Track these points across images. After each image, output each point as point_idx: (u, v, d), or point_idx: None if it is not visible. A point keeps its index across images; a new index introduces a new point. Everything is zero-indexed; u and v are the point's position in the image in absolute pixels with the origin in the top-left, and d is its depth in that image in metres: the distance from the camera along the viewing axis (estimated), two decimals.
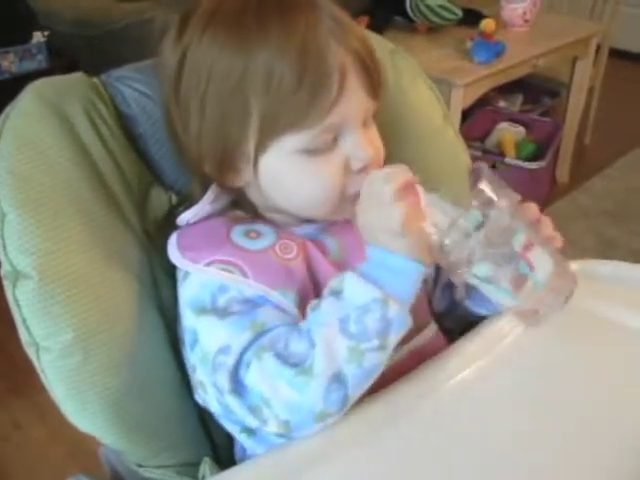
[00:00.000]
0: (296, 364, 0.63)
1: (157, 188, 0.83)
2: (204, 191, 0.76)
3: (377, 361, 0.65)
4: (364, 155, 0.72)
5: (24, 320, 0.70)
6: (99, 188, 0.75)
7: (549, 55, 2.42)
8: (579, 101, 2.72)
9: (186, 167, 0.78)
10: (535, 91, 2.98)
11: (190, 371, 0.74)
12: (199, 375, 0.71)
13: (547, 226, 0.72)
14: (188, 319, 0.71)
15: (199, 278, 0.71)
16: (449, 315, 0.88)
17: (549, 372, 0.76)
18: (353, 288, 0.65)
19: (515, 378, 0.75)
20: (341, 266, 0.75)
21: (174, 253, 0.73)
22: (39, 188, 0.71)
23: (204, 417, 0.80)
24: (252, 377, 0.65)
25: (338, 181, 0.72)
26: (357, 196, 0.73)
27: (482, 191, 0.66)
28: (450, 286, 0.87)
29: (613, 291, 0.86)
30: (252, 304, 0.69)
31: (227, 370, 0.66)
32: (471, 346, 0.77)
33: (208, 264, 0.71)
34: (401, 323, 0.65)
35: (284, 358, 0.64)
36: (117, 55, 1.63)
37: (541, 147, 2.61)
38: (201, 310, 0.70)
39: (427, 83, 1.00)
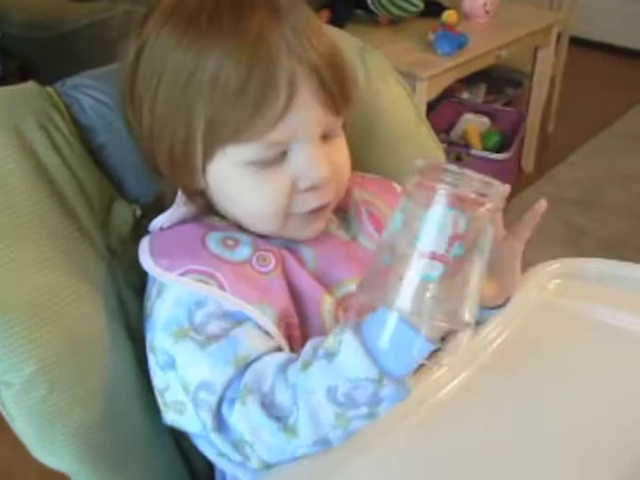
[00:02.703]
0: (279, 417, 0.60)
1: (120, 202, 0.78)
2: (175, 193, 0.72)
3: (364, 423, 0.60)
4: (313, 175, 0.68)
5: None
6: (58, 206, 0.71)
7: (511, 45, 2.41)
8: (542, 90, 2.72)
9: (146, 166, 0.74)
10: (498, 81, 2.97)
11: (158, 392, 0.70)
12: (173, 396, 0.67)
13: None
14: (164, 342, 0.67)
15: (173, 295, 0.67)
16: None
17: (536, 377, 0.74)
18: (348, 356, 0.58)
19: (502, 386, 0.72)
20: (319, 277, 0.72)
21: (146, 260, 0.69)
22: None
23: (180, 442, 0.76)
24: (235, 419, 0.62)
25: (282, 199, 0.68)
26: (309, 216, 0.71)
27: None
28: None
29: (601, 290, 0.84)
30: (232, 320, 0.65)
31: (210, 409, 0.62)
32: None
33: (183, 273, 0.67)
34: (394, 399, 0.59)
35: (268, 408, 0.60)
36: (73, 58, 1.57)
37: (506, 137, 2.61)
38: (179, 333, 0.65)
39: (398, 80, 0.96)
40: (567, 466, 0.65)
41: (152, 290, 0.71)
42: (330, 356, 0.59)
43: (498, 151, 2.51)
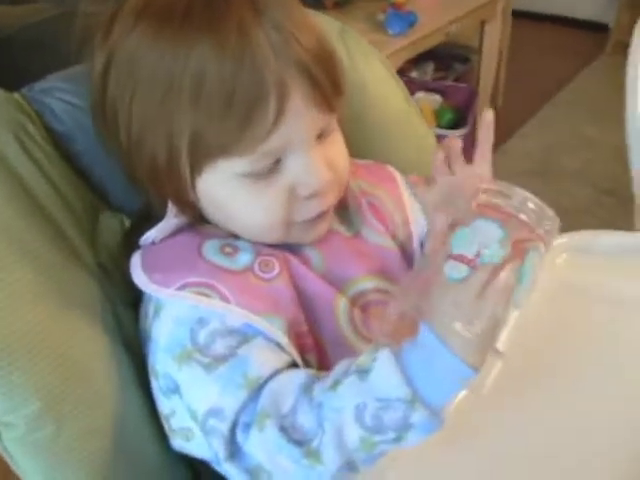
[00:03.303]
0: (301, 442, 0.55)
1: (105, 212, 0.72)
2: (164, 204, 0.66)
3: (389, 448, 0.55)
4: (313, 181, 0.63)
5: None
6: (41, 224, 0.64)
7: (460, 21, 2.39)
8: (491, 64, 2.72)
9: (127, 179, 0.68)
10: (445, 58, 2.96)
11: (164, 418, 0.66)
12: (179, 422, 0.63)
13: None
14: (167, 366, 0.62)
15: (173, 313, 0.62)
16: None
17: (553, 360, 0.71)
18: (381, 374, 0.54)
19: (518, 375, 0.68)
20: (327, 277, 0.68)
21: (140, 277, 0.64)
22: None
23: (192, 462, 0.71)
24: (252, 446, 0.57)
25: (281, 209, 0.64)
26: (312, 222, 0.66)
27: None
28: None
29: (610, 263, 0.81)
30: (239, 337, 0.60)
31: (222, 437, 0.58)
32: None
33: (180, 287, 0.62)
34: (425, 429, 0.54)
35: (288, 431, 0.55)
36: (15, 63, 1.48)
37: (459, 113, 2.59)
38: (182, 356, 0.60)
39: (382, 62, 0.92)
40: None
41: (149, 308, 0.65)
42: (362, 373, 0.55)
43: (452, 128, 2.50)
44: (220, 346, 0.60)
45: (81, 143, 0.71)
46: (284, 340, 0.61)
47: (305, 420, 0.55)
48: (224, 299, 0.61)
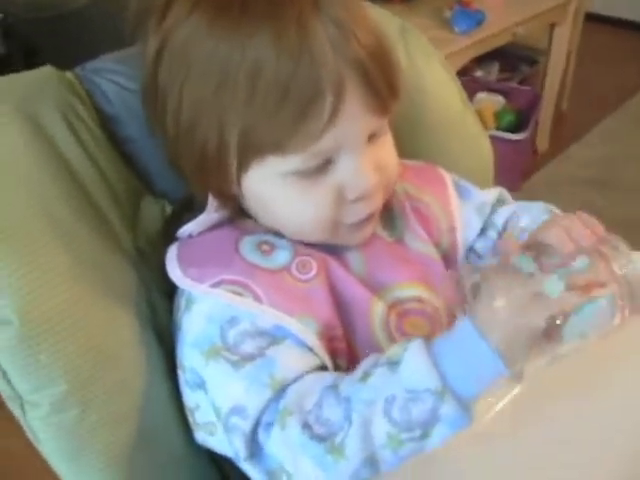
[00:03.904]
0: (325, 437, 0.54)
1: (148, 198, 0.72)
2: (206, 196, 0.65)
3: (415, 449, 0.54)
4: (361, 184, 0.62)
5: (4, 373, 0.58)
6: (83, 207, 0.64)
7: (528, 22, 2.33)
8: (558, 68, 2.65)
9: (171, 168, 0.68)
10: (511, 59, 2.89)
11: (189, 410, 0.65)
12: (204, 416, 0.62)
13: None
14: (194, 360, 0.61)
15: (205, 309, 0.62)
16: None
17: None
18: (411, 364, 0.53)
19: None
20: (366, 281, 0.66)
21: (174, 271, 0.63)
22: (8, 214, 0.59)
23: (221, 464, 0.70)
24: (273, 445, 0.56)
25: (329, 211, 0.62)
26: (359, 225, 0.65)
27: None
28: None
29: None
30: (269, 339, 0.60)
31: (243, 435, 0.57)
32: None
33: (215, 284, 0.61)
34: (453, 423, 0.53)
35: (312, 428, 0.54)
36: (81, 39, 1.50)
37: (520, 116, 2.53)
38: (210, 352, 0.60)
39: (442, 63, 0.90)
40: None
41: (181, 301, 0.65)
42: (393, 364, 0.54)
43: (512, 130, 2.44)
44: (249, 346, 0.59)
45: (129, 127, 0.71)
46: (316, 343, 0.60)
47: (331, 413, 0.54)
48: (257, 299, 0.60)
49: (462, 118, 0.90)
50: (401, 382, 0.53)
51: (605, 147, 2.81)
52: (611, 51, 3.50)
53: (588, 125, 2.94)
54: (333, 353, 0.62)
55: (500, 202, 0.80)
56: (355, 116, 0.59)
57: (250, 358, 0.58)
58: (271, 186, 0.61)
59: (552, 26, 2.56)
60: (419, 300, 0.68)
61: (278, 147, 0.58)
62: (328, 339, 0.62)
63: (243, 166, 0.60)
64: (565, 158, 2.76)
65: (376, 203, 0.65)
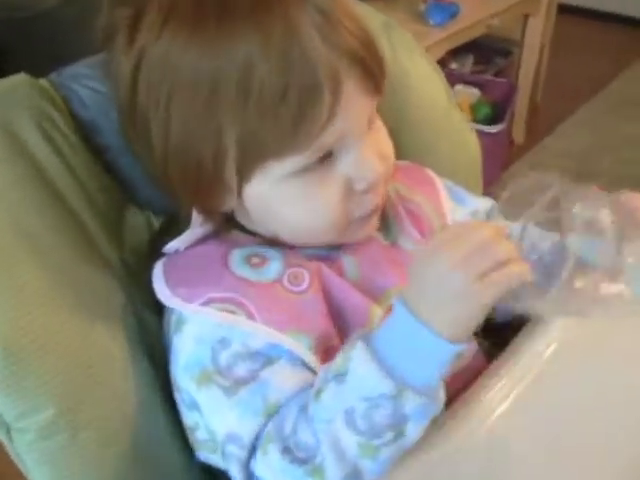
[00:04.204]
0: (305, 460, 0.53)
1: (131, 208, 0.69)
2: (191, 210, 0.63)
3: (395, 450, 0.53)
4: (369, 174, 0.60)
5: None
6: (60, 217, 0.61)
7: (502, 14, 2.33)
8: (532, 59, 2.65)
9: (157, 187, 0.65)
10: (485, 51, 2.88)
11: (188, 429, 0.63)
12: (204, 434, 0.60)
13: None
14: (186, 384, 0.59)
15: (195, 330, 0.59)
16: None
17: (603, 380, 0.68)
18: (358, 372, 0.51)
19: (564, 398, 0.66)
20: (362, 287, 0.64)
21: (162, 290, 0.61)
22: None
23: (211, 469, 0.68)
24: (259, 469, 0.55)
25: (340, 206, 0.60)
26: (367, 217, 0.62)
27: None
28: None
29: None
30: (262, 360, 0.58)
31: (239, 462, 0.56)
32: (510, 370, 0.67)
33: (205, 303, 0.58)
34: (422, 415, 0.51)
35: (291, 452, 0.53)
36: (53, 40, 1.45)
37: (496, 108, 2.53)
38: (201, 378, 0.58)
39: (426, 58, 0.88)
40: None
41: (171, 318, 0.62)
42: (340, 376, 0.52)
43: (489, 123, 2.44)
44: (242, 369, 0.57)
45: (108, 134, 0.67)
46: (311, 358, 0.58)
47: (305, 436, 0.53)
48: (250, 317, 0.58)
49: (448, 114, 0.88)
50: (354, 393, 0.51)
51: (580, 138, 2.82)
52: (583, 42, 3.51)
53: (562, 116, 2.95)
54: None
55: (492, 212, 0.79)
56: (353, 102, 0.57)
57: (243, 382, 0.57)
58: (276, 191, 0.59)
59: (526, 17, 2.56)
60: None
61: (280, 150, 0.56)
62: (324, 351, 0.59)
63: (244, 177, 0.58)
64: (541, 149, 2.76)
65: (381, 193, 0.63)
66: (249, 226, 0.65)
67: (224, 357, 0.57)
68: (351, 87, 0.56)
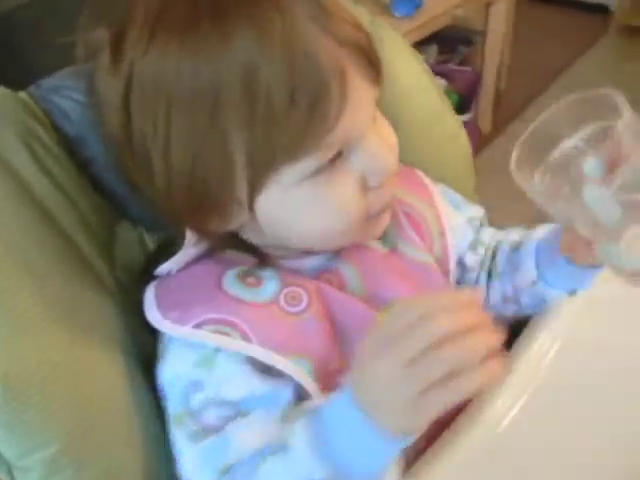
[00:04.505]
0: None
1: (123, 224, 0.66)
2: (183, 228, 0.60)
3: None
4: (382, 167, 0.57)
5: None
6: (53, 241, 0.58)
7: (465, 4, 2.33)
8: (496, 47, 2.66)
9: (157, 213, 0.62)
10: (448, 41, 2.88)
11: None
12: None
13: None
14: (166, 416, 0.59)
15: (174, 365, 0.58)
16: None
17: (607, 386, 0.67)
18: (300, 458, 0.49)
19: (568, 404, 0.66)
20: (366, 298, 0.62)
21: (154, 314, 0.58)
22: None
23: None
24: None
25: (358, 204, 0.58)
26: (382, 213, 0.60)
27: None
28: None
29: None
30: (233, 411, 0.55)
31: None
32: (518, 373, 0.66)
33: (198, 325, 0.56)
34: None
35: None
36: (9, 43, 1.40)
37: (463, 97, 2.53)
38: (174, 418, 0.57)
39: (415, 56, 0.86)
40: None
41: (160, 349, 0.60)
42: (282, 450, 0.51)
43: (456, 112, 2.43)
44: (212, 415, 0.55)
45: (94, 147, 0.64)
46: (311, 386, 0.56)
47: None
48: (245, 338, 0.56)
49: (442, 116, 0.86)
50: (292, 470, 0.50)
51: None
52: (543, 29, 3.53)
53: (526, 103, 2.96)
54: (331, 390, 0.57)
55: (483, 221, 0.78)
56: (359, 93, 0.54)
57: (211, 431, 0.55)
58: (290, 198, 0.55)
59: (487, 6, 2.57)
60: None
61: (293, 154, 0.53)
62: (325, 375, 0.57)
63: (256, 188, 0.54)
64: (507, 136, 2.77)
65: (395, 183, 0.61)
66: (254, 240, 0.62)
67: (195, 400, 0.56)
68: (355, 77, 0.54)
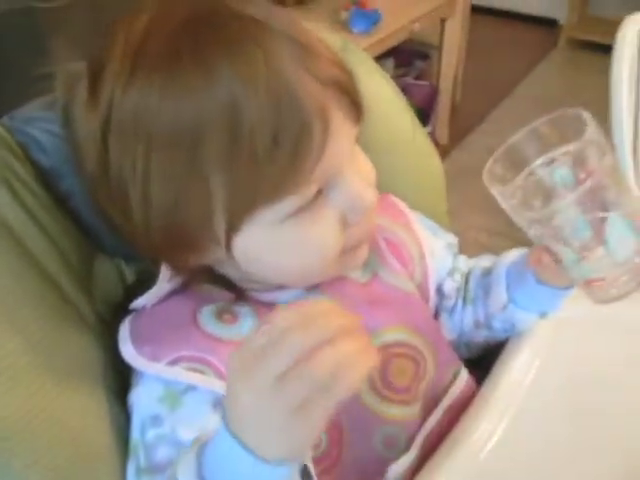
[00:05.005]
0: None
1: (100, 258, 0.65)
2: (158, 263, 0.59)
3: None
4: (361, 205, 0.57)
5: None
6: (34, 281, 0.57)
7: (422, 19, 2.36)
8: (451, 61, 2.69)
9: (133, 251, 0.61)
10: (405, 55, 2.91)
11: None
12: None
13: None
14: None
15: (138, 394, 0.57)
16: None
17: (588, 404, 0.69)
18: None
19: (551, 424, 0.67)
20: None
21: (127, 350, 0.57)
22: None
23: None
24: None
25: (336, 241, 0.57)
26: (360, 245, 0.60)
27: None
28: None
29: None
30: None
31: None
32: (499, 396, 0.68)
33: (172, 362, 0.56)
34: None
35: None
36: None
37: (421, 111, 2.56)
38: (131, 447, 0.56)
39: (387, 80, 0.86)
40: None
41: (132, 378, 0.60)
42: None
43: None
44: (163, 453, 0.54)
45: (70, 179, 0.62)
46: None
47: None
48: (220, 376, 0.55)
49: (413, 138, 0.87)
50: None
51: (500, 135, 2.87)
52: (496, 41, 3.60)
53: (482, 115, 3.01)
54: None
55: (456, 249, 0.79)
56: (341, 134, 0.54)
57: (157, 471, 0.54)
58: (269, 237, 0.55)
59: (442, 21, 2.60)
60: (402, 344, 0.65)
61: (274, 194, 0.52)
62: None
63: (235, 227, 0.54)
64: (463, 149, 2.81)
65: (374, 219, 0.62)
66: (230, 274, 0.61)
67: (151, 434, 0.55)
68: (337, 117, 0.53)
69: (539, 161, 0.58)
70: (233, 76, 0.49)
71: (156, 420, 0.55)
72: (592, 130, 0.54)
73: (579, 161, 0.54)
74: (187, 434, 0.54)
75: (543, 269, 0.65)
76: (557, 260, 0.58)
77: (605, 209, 0.54)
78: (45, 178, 0.62)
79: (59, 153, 0.62)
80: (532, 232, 0.58)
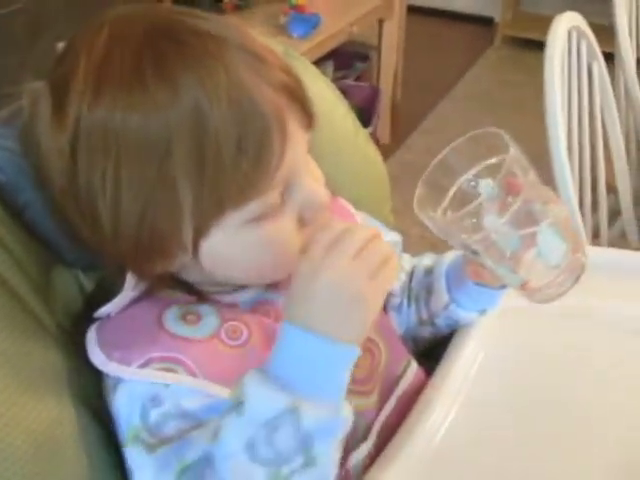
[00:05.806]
0: None
1: (58, 268, 0.66)
2: (122, 271, 0.60)
3: (311, 476, 0.51)
4: (318, 202, 0.60)
5: None
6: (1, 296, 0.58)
7: (360, 21, 2.40)
8: (390, 62, 2.75)
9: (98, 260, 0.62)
10: (344, 57, 2.95)
11: None
12: None
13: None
14: (122, 441, 0.58)
15: (128, 388, 0.58)
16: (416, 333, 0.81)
17: (540, 390, 0.73)
18: (255, 397, 0.51)
19: (503, 408, 0.71)
20: None
21: (97, 356, 0.59)
22: None
23: None
24: None
25: (297, 239, 0.60)
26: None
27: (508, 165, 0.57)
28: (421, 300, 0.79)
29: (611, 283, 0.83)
30: (193, 422, 0.56)
31: None
32: (449, 384, 0.72)
33: (143, 365, 0.57)
34: (328, 432, 0.51)
35: None
36: None
37: (362, 112, 2.60)
38: (130, 436, 0.57)
39: (328, 84, 0.90)
40: None
41: (108, 383, 0.60)
42: (238, 406, 0.51)
43: None
44: (171, 428, 0.56)
45: (26, 192, 0.63)
46: None
47: None
48: (191, 373, 0.58)
49: (355, 140, 0.90)
50: (254, 419, 0.51)
51: (441, 133, 2.95)
52: (433, 40, 3.68)
53: (422, 114, 3.08)
54: None
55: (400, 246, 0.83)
56: (296, 138, 0.57)
57: (169, 441, 0.55)
58: (235, 239, 0.58)
59: (380, 22, 2.65)
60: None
61: (241, 199, 0.55)
62: None
63: (202, 233, 0.56)
64: (406, 148, 2.87)
65: (327, 217, 0.64)
66: (191, 278, 0.63)
67: (154, 415, 0.56)
68: (291, 121, 0.56)
69: (463, 178, 0.61)
70: (197, 88, 0.52)
71: (155, 400, 0.56)
72: (514, 149, 0.58)
73: (505, 176, 0.57)
74: (191, 403, 0.56)
75: (480, 276, 0.71)
76: (493, 273, 0.63)
77: (534, 220, 0.59)
78: (1, 193, 0.63)
79: (15, 168, 0.63)
80: (466, 252, 0.62)
